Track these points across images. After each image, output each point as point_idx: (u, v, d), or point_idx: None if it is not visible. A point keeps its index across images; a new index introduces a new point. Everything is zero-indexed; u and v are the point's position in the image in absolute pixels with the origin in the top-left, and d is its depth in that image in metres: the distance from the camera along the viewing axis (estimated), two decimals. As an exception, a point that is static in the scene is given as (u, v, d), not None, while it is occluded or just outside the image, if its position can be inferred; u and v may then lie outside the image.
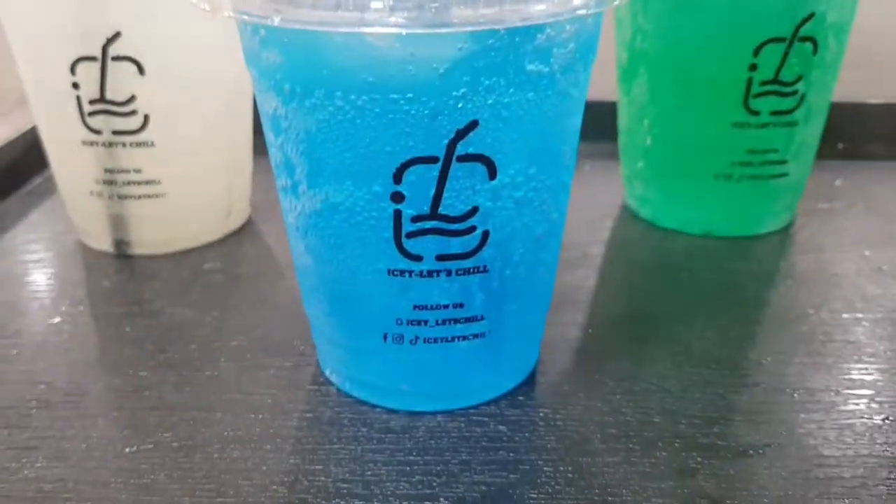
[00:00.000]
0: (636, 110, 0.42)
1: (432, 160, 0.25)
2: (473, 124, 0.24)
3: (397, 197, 0.25)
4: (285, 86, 0.25)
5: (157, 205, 0.39)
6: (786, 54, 0.37)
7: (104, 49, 0.35)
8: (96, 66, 0.36)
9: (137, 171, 0.38)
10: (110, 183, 0.39)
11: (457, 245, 0.26)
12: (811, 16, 0.37)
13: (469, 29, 0.23)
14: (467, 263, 0.26)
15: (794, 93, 0.38)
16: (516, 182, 0.26)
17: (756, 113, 0.38)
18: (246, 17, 0.24)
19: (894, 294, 0.36)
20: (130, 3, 0.35)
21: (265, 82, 0.26)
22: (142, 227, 0.40)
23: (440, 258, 0.26)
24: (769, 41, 0.37)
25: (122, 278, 0.39)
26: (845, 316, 0.35)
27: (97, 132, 0.37)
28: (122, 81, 0.36)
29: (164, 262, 0.40)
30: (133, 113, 0.37)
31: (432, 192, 0.25)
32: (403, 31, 0.22)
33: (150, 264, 0.40)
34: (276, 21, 0.23)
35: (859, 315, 0.35)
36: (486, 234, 0.26)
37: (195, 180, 0.40)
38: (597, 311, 0.36)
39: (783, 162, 0.40)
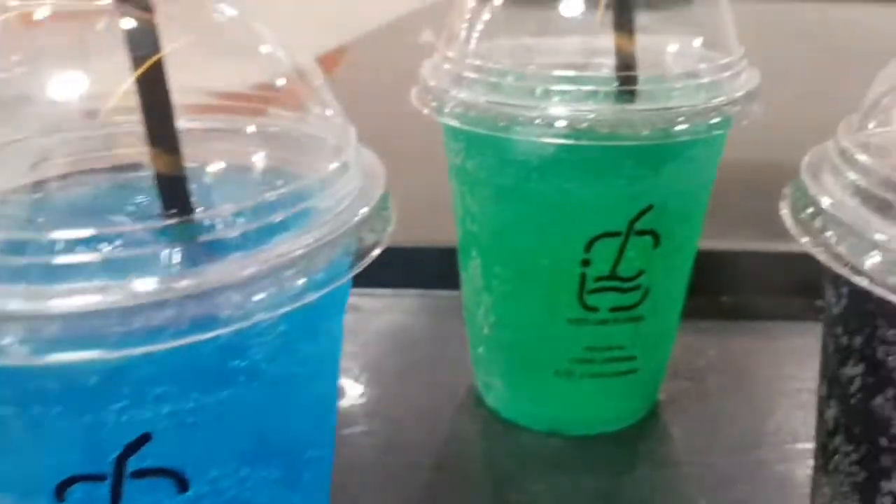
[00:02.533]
0: (473, 293, 0.37)
1: (99, 478, 0.20)
2: (145, 437, 0.20)
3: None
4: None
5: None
6: (622, 249, 0.33)
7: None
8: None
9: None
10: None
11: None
12: (648, 208, 0.33)
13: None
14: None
15: (636, 288, 0.34)
16: (219, 488, 0.21)
17: (594, 309, 0.34)
18: None
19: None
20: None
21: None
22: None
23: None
24: (602, 236, 0.33)
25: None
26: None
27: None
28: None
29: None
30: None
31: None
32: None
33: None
34: None
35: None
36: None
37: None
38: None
39: (631, 358, 0.36)
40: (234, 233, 0.19)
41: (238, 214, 0.20)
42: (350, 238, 0.21)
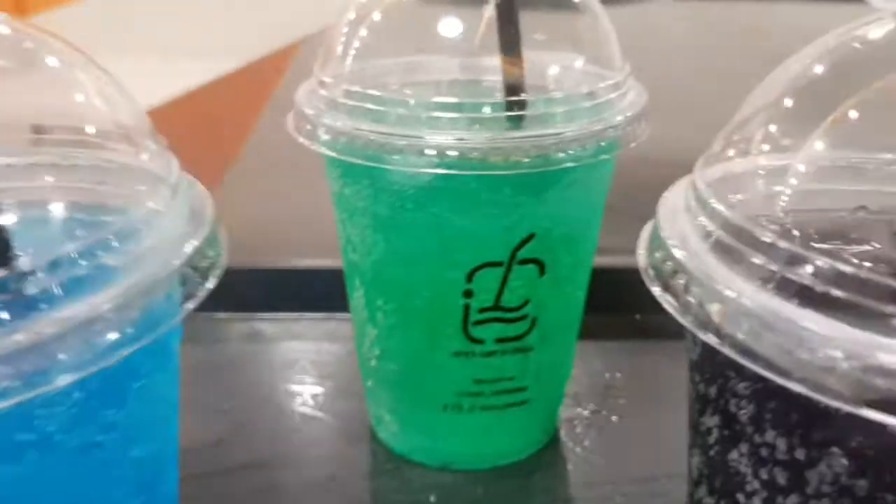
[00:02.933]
0: (359, 324, 0.36)
1: None
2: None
3: None
4: None
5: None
6: (504, 279, 0.32)
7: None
8: None
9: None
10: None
11: None
12: (530, 237, 0.31)
13: None
14: None
15: (523, 318, 0.33)
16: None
17: (479, 341, 0.33)
18: None
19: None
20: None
21: None
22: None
23: None
24: (483, 266, 0.31)
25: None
26: None
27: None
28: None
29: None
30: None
31: None
32: None
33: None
34: None
35: None
36: None
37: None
38: None
39: (521, 389, 0.34)
40: (30, 288, 0.18)
41: (33, 271, 0.18)
42: (164, 287, 0.19)
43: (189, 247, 0.20)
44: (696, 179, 0.22)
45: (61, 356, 0.17)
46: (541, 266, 0.32)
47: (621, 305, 0.46)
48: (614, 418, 0.39)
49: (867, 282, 0.17)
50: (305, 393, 0.41)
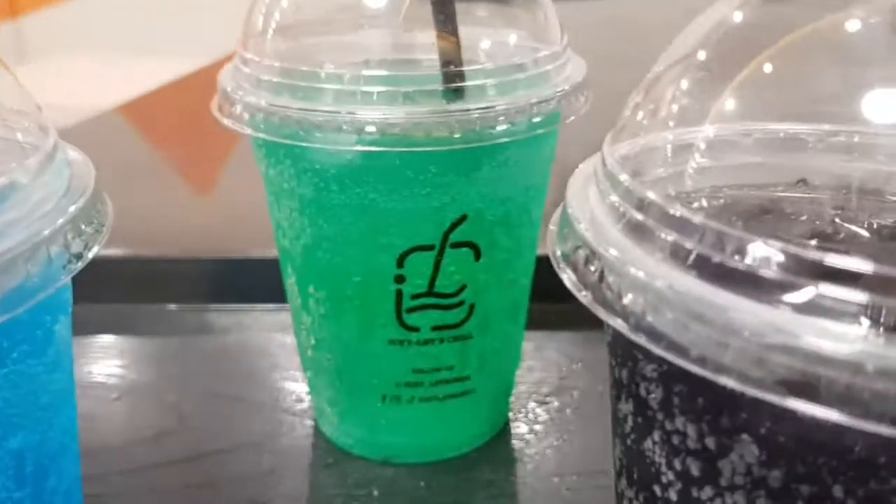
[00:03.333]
0: (295, 313, 0.34)
1: None
2: None
3: None
4: None
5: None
6: (437, 263, 0.30)
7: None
8: None
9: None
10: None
11: None
12: (462, 218, 0.30)
13: None
14: None
15: (459, 304, 0.31)
16: None
17: (414, 329, 0.31)
18: None
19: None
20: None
21: None
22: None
23: None
24: (413, 249, 0.30)
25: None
26: None
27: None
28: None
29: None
30: None
31: None
32: None
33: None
34: None
35: None
36: None
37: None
38: None
39: (463, 379, 0.33)
40: None
41: None
42: (23, 263, 0.18)
43: (59, 220, 0.19)
44: (605, 155, 0.20)
45: None
46: (476, 250, 0.30)
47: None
48: (567, 410, 0.37)
49: (785, 257, 0.15)
50: (250, 385, 0.40)
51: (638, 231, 0.18)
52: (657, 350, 0.16)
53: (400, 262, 0.30)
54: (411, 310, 0.31)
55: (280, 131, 0.28)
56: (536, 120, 0.29)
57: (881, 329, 0.14)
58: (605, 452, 0.34)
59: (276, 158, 0.30)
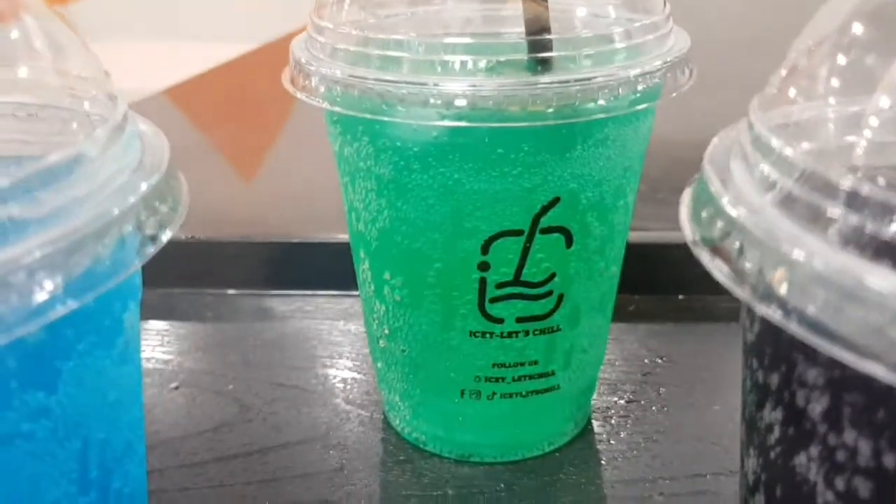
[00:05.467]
0: (367, 300, 0.32)
1: None
2: None
3: None
4: None
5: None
6: (526, 250, 0.28)
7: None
8: None
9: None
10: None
11: None
12: (555, 201, 0.27)
13: None
14: None
15: (548, 294, 0.29)
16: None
17: (498, 320, 0.29)
18: None
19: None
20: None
21: None
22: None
23: None
24: (500, 235, 0.27)
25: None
26: None
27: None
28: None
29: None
30: None
31: None
32: None
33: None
34: None
35: None
36: None
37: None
38: None
39: (548, 374, 0.30)
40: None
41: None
42: (93, 243, 0.16)
43: (131, 197, 0.17)
44: (753, 122, 0.17)
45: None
46: (567, 236, 0.28)
47: (662, 284, 0.42)
48: (654, 408, 0.35)
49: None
50: (313, 375, 0.38)
51: (797, 206, 0.15)
52: (835, 353, 0.13)
53: (485, 249, 0.28)
54: (495, 300, 0.28)
55: (359, 105, 0.26)
56: (637, 94, 0.26)
57: None
58: (700, 455, 0.32)
59: (353, 135, 0.28)
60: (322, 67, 0.27)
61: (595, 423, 0.34)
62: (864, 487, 0.15)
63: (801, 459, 0.16)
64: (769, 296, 0.15)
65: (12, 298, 0.14)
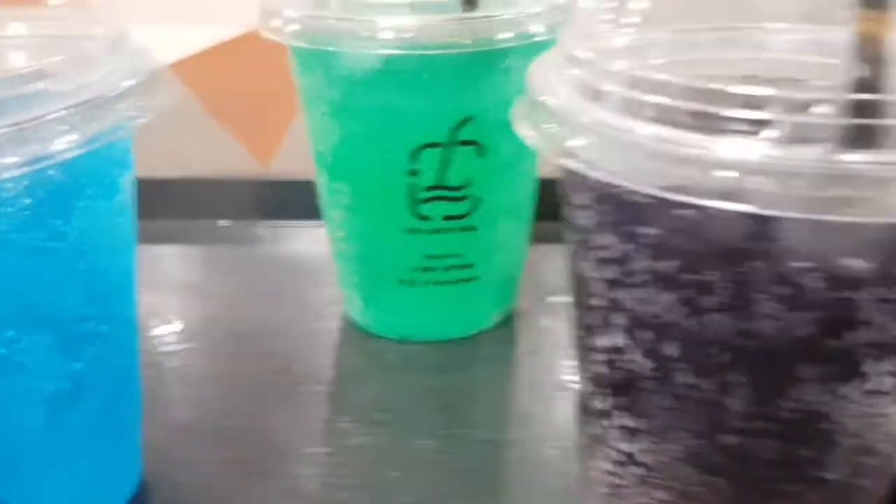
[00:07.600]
0: (326, 209, 0.39)
1: None
2: None
3: None
4: None
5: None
6: (445, 159, 0.35)
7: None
8: None
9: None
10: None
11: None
12: (468, 119, 0.34)
13: None
14: None
15: (465, 197, 0.36)
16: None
17: (426, 218, 0.36)
18: None
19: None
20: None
21: None
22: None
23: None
24: (425, 146, 0.35)
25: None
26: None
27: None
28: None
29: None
30: None
31: None
32: None
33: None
34: None
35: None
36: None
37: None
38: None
39: (468, 265, 0.38)
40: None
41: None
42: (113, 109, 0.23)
43: (127, 83, 0.24)
44: (568, 50, 0.24)
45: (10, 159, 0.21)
46: (479, 148, 0.35)
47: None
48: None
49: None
50: (291, 283, 0.45)
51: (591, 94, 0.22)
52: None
53: (413, 158, 0.35)
54: (424, 201, 0.36)
55: (314, 38, 0.33)
56: (533, 29, 0.33)
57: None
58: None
59: (308, 66, 0.35)
60: (285, 10, 0.34)
61: (519, 314, 0.41)
62: (610, 271, 0.22)
63: (584, 265, 0.24)
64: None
65: (39, 145, 0.21)
